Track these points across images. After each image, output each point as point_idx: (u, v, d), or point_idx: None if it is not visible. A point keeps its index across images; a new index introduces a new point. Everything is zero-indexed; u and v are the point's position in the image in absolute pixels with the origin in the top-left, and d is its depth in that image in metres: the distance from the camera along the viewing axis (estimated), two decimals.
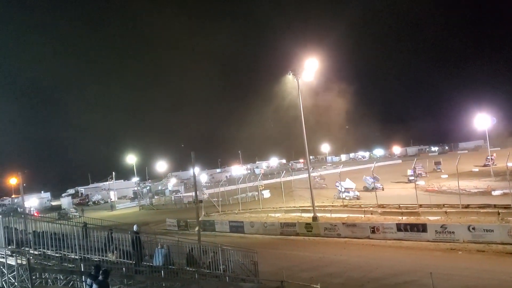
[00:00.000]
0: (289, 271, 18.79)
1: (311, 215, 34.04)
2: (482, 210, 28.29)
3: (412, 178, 46.94)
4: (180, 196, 72.44)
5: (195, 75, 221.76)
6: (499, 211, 26.60)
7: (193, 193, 31.86)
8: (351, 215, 34.28)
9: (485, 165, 59.99)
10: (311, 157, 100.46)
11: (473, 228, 23.33)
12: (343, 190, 43.58)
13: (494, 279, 16.62)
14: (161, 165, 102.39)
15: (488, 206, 29.12)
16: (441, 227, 24.71)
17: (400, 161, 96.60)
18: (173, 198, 72.67)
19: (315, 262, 22.82)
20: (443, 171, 58.96)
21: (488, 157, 59.10)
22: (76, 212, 63.16)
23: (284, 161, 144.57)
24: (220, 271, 17.52)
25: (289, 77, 34.74)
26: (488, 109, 63.97)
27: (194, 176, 29.65)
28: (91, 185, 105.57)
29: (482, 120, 60.05)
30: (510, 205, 27.41)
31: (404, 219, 29.24)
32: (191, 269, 16.38)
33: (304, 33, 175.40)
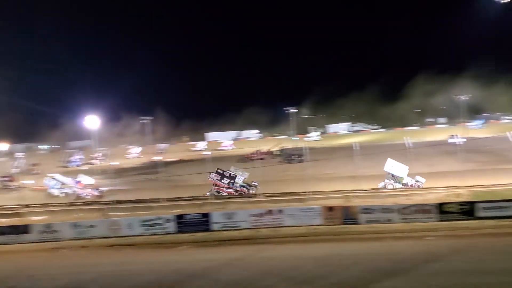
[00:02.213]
0: None
1: None
2: (87, 207, 30.04)
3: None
4: None
5: None
6: (102, 207, 29.06)
7: None
8: None
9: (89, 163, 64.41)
10: None
11: (78, 225, 24.26)
12: None
13: (95, 272, 17.28)
14: None
15: (94, 202, 31.50)
16: (46, 226, 24.48)
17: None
18: None
19: None
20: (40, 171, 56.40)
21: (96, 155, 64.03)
22: None
23: None
24: None
25: None
26: (98, 111, 68.32)
27: None
28: None
29: (92, 121, 63.50)
30: (110, 201, 30.52)
31: (6, 221, 27.15)
32: None
33: None
